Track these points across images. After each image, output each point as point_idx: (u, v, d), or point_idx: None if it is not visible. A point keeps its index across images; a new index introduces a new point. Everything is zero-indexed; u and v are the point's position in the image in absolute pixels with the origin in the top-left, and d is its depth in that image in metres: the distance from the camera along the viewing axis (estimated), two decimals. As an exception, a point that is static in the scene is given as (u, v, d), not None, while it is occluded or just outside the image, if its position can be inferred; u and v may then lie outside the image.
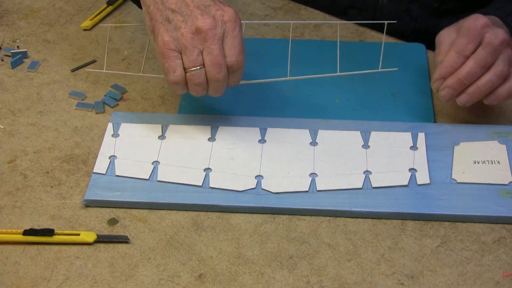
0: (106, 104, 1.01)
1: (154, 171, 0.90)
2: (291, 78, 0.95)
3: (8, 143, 0.96)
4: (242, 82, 0.92)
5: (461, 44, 0.92)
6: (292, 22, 1.11)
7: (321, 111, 0.99)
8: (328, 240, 0.84)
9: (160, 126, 0.96)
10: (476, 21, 0.92)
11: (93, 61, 1.08)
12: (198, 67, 0.86)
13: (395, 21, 0.99)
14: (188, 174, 0.90)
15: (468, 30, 0.92)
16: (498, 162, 0.90)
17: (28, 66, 1.07)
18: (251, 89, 1.02)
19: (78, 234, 0.83)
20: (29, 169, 0.92)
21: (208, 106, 0.99)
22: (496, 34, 0.91)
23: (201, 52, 0.86)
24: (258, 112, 0.98)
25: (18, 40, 1.13)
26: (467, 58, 0.91)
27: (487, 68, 0.91)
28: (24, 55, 1.09)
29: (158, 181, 0.89)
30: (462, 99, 0.93)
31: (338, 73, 0.94)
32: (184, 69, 0.87)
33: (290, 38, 1.01)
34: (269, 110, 0.99)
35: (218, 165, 0.90)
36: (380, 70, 0.95)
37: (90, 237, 0.83)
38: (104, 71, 0.99)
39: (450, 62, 0.92)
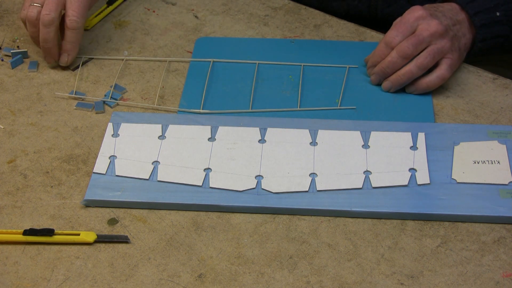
0: (106, 104, 1.01)
1: (154, 171, 0.90)
2: (252, 110, 0.99)
3: (8, 143, 0.96)
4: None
5: (389, 35, 1.00)
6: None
7: (321, 110, 0.99)
8: (328, 240, 0.84)
9: (160, 126, 0.96)
10: (410, 13, 1.00)
11: (91, 59, 1.08)
12: (37, 4, 1.03)
13: (356, 66, 1.06)
14: (188, 174, 0.89)
15: (401, 22, 1.00)
16: (498, 162, 0.90)
17: (28, 66, 1.07)
18: (251, 88, 1.02)
19: (78, 234, 0.83)
20: (29, 169, 0.92)
21: (208, 106, 0.99)
22: (429, 25, 0.98)
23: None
24: (258, 112, 0.98)
25: (18, 40, 1.13)
26: (393, 48, 0.99)
27: (409, 58, 0.98)
28: (24, 55, 1.09)
29: (158, 181, 0.89)
30: (385, 86, 1.01)
31: (298, 109, 0.99)
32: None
33: (255, 78, 1.03)
34: (269, 110, 0.99)
35: (218, 165, 0.90)
36: (339, 107, 1.00)
37: (90, 237, 0.83)
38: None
39: (378, 52, 1.01)
